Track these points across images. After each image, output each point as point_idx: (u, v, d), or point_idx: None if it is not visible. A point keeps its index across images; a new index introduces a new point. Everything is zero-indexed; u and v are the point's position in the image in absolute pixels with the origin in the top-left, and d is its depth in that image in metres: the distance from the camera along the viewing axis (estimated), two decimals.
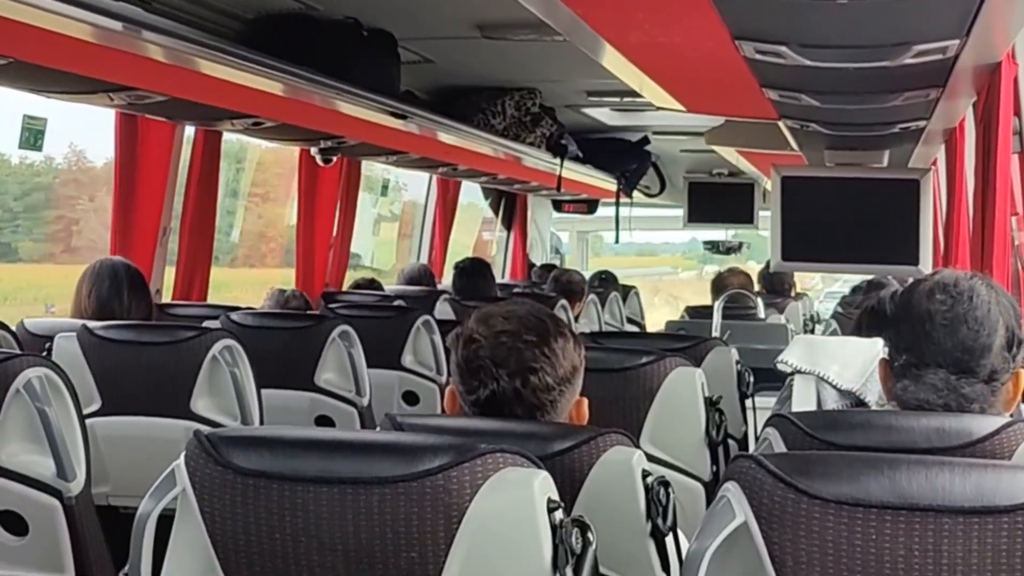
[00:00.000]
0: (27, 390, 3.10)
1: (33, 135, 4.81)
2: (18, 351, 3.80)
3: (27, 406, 3.10)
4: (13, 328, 4.20)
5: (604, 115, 8.94)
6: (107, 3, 3.61)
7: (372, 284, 7.59)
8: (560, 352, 2.50)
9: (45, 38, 3.55)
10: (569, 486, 2.31)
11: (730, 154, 8.69)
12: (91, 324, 4.05)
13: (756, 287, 9.49)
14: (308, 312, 5.63)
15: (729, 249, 12.42)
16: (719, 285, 9.00)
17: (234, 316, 4.85)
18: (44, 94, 4.50)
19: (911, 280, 2.65)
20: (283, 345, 4.79)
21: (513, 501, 1.91)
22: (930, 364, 2.42)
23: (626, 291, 10.43)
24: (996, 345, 2.42)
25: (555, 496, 1.95)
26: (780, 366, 3.25)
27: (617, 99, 8.02)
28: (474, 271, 7.43)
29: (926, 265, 5.14)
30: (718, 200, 11.09)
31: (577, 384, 2.56)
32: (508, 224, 11.74)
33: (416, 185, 10.11)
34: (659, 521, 2.33)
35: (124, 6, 3.77)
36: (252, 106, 5.14)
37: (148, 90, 4.47)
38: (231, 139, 6.73)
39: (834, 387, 3.07)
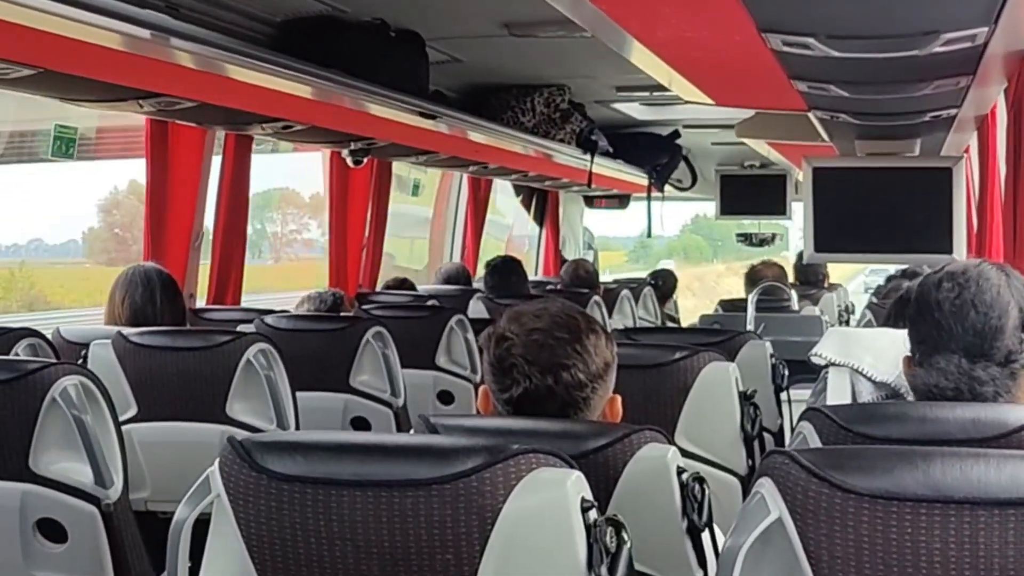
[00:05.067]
0: (63, 398, 3.11)
1: (64, 143, 4.84)
2: (54, 360, 3.83)
3: (63, 414, 3.12)
4: (49, 336, 4.23)
5: (634, 110, 8.92)
6: (135, 11, 3.63)
7: (404, 284, 7.60)
8: (592, 348, 2.50)
9: (74, 47, 3.57)
10: (604, 484, 2.31)
11: (761, 146, 8.66)
12: (126, 331, 4.07)
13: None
14: (342, 314, 5.64)
15: (762, 241, 12.38)
16: (753, 277, 8.97)
17: (268, 319, 4.86)
18: (74, 103, 4.52)
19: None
20: (318, 347, 4.80)
21: (546, 501, 1.91)
22: (943, 351, 2.43)
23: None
24: (1009, 327, 2.41)
25: (588, 496, 1.95)
26: (814, 359, 3.24)
27: (647, 93, 8.00)
28: (506, 269, 7.43)
29: (960, 253, 5.12)
30: (750, 192, 11.05)
31: (610, 381, 2.56)
32: (540, 221, 11.74)
33: None
34: (695, 517, 2.33)
35: (152, 14, 3.79)
36: (281, 109, 5.16)
37: (177, 96, 4.49)
38: None
39: (869, 379, 3.05)
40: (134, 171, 7.06)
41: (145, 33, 3.68)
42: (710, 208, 11.66)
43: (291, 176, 9.97)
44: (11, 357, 3.87)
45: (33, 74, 3.73)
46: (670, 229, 20.41)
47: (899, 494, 1.73)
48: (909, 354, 2.57)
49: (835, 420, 2.29)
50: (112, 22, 3.50)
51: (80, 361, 3.95)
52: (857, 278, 21.79)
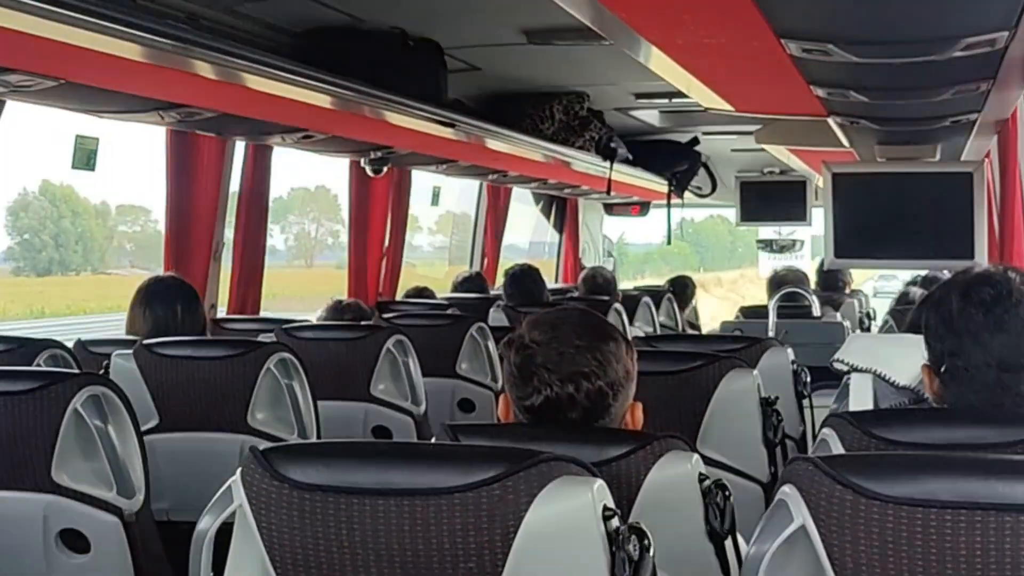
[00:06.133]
0: (85, 409, 3.12)
1: (85, 155, 4.86)
2: (76, 370, 3.84)
3: (86, 425, 3.13)
4: (71, 347, 4.24)
5: (653, 117, 8.92)
6: (156, 23, 3.64)
7: (423, 293, 7.60)
8: (612, 356, 2.50)
9: (96, 59, 3.58)
10: (626, 492, 2.31)
11: (781, 152, 8.64)
12: (147, 341, 4.08)
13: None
14: (363, 322, 5.65)
15: (783, 247, 12.36)
16: (775, 283, 8.95)
17: (289, 328, 4.87)
18: (96, 114, 4.54)
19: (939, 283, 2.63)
20: (338, 356, 4.80)
21: (569, 510, 1.91)
22: (979, 366, 2.41)
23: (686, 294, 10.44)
24: None
25: (611, 503, 1.94)
26: (836, 365, 3.23)
27: (665, 100, 8.00)
28: (524, 277, 7.43)
29: (982, 258, 5.10)
30: (770, 198, 11.03)
31: (630, 388, 2.55)
32: (560, 228, 11.74)
33: None
34: (717, 525, 2.32)
35: (172, 25, 3.80)
36: (301, 119, 5.17)
37: (198, 107, 4.50)
38: None
39: (891, 384, 3.05)
40: (47, 170, 6.86)
41: (166, 44, 3.70)
42: (699, 213, 11.59)
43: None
44: (33, 368, 3.88)
45: (55, 86, 3.75)
46: (652, 235, 19.96)
47: (924, 500, 1.72)
48: (927, 364, 2.54)
49: (858, 426, 2.28)
50: (133, 34, 3.51)
51: (102, 372, 3.96)
52: (866, 284, 21.75)
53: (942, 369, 2.48)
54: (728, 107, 5.13)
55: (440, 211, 10.74)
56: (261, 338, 4.39)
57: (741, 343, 4.42)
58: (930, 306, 2.53)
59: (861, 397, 3.08)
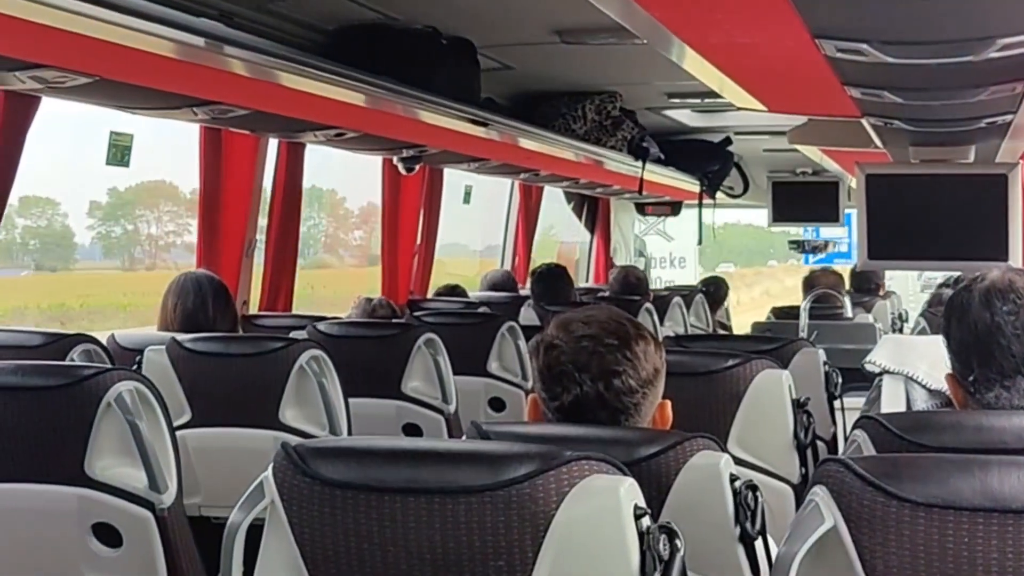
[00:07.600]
0: (118, 403, 3.14)
1: (120, 151, 4.87)
2: (109, 365, 3.86)
3: (119, 419, 3.15)
4: (104, 342, 4.26)
5: (685, 116, 8.90)
6: (189, 20, 3.66)
7: (455, 291, 7.60)
8: (641, 355, 2.50)
9: (130, 56, 3.59)
10: (656, 492, 2.31)
11: (814, 153, 8.61)
12: (180, 337, 4.10)
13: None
14: (394, 320, 5.66)
15: (815, 248, 12.32)
16: (808, 284, 8.93)
17: (320, 326, 4.88)
18: (130, 111, 4.56)
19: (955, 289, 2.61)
20: (370, 354, 4.81)
21: (599, 508, 1.91)
22: (1012, 374, 2.40)
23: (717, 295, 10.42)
24: None
25: (642, 503, 1.94)
26: (868, 366, 3.22)
27: (698, 100, 7.99)
28: (552, 276, 7.44)
29: (1016, 259, 5.07)
30: (803, 199, 10.99)
31: (659, 387, 2.55)
32: (591, 228, 11.71)
33: None
34: (748, 525, 2.32)
35: (206, 22, 3.82)
36: (334, 117, 5.18)
37: (231, 104, 4.51)
38: None
39: (923, 387, 3.03)
40: None
41: (199, 41, 3.71)
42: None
43: (165, 167, 8.80)
44: (67, 363, 3.90)
45: (89, 82, 3.76)
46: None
47: (955, 503, 1.71)
48: (951, 373, 2.53)
49: (889, 428, 2.27)
50: (167, 31, 3.53)
51: (135, 367, 3.98)
52: None
53: (970, 378, 2.47)
54: (761, 107, 5.11)
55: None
56: (293, 335, 4.40)
57: (773, 344, 4.41)
58: (951, 316, 2.52)
59: (893, 399, 3.07)
